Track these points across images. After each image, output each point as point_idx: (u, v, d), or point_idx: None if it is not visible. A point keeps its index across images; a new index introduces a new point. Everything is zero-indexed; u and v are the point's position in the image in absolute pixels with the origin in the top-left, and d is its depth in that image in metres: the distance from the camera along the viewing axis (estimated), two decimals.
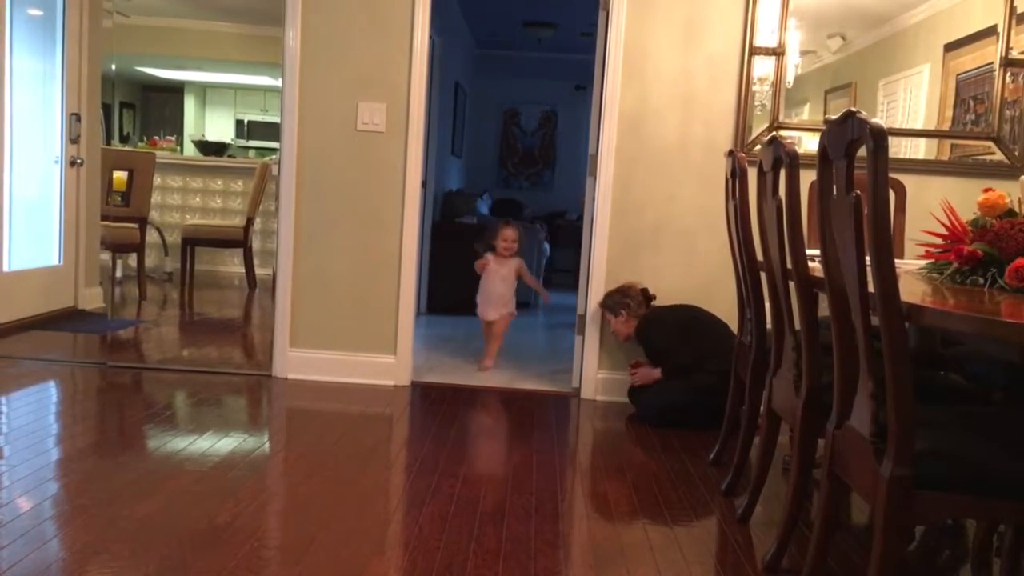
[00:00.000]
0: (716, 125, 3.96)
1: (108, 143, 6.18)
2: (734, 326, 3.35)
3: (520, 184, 10.04)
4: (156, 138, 7.70)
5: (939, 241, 2.25)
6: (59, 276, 5.26)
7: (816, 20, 3.97)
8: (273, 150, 6.69)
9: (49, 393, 3.70)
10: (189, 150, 7.92)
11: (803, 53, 3.98)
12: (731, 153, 2.96)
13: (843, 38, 4.06)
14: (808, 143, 3.92)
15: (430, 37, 4.08)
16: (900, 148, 4.01)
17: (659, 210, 4.00)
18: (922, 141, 4.04)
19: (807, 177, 2.27)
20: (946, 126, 4.00)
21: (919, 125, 4.03)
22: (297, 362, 4.08)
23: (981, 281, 2.02)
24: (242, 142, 8.38)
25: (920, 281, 2.15)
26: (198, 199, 6.95)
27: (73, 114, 5.22)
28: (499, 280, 4.59)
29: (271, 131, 7.22)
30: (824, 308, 1.98)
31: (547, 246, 7.80)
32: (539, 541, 2.32)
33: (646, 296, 3.89)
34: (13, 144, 4.79)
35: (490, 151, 9.99)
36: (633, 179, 3.99)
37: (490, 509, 2.57)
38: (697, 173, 3.98)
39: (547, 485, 2.79)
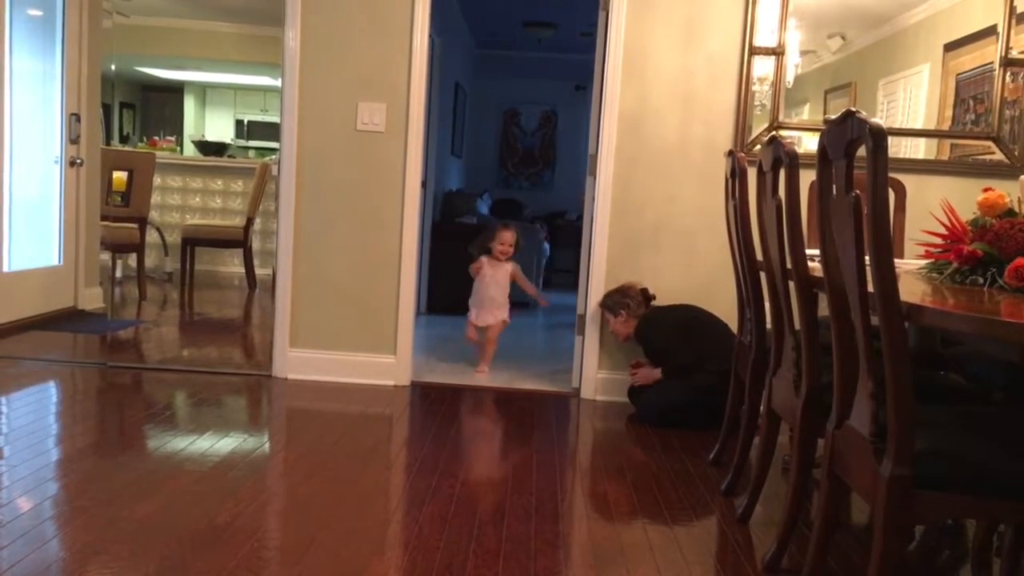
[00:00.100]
0: (716, 125, 3.96)
1: (108, 143, 6.18)
2: (734, 326, 3.35)
3: (520, 184, 10.04)
4: (156, 138, 7.70)
5: (939, 241, 2.25)
6: (59, 276, 5.26)
7: (816, 20, 3.97)
8: (273, 150, 6.70)
9: (49, 393, 3.70)
10: (189, 150, 7.92)
11: (803, 53, 3.98)
12: (731, 153, 2.96)
13: (843, 38, 4.06)
14: (808, 143, 3.92)
15: (430, 37, 4.08)
16: (900, 148, 4.01)
17: (659, 210, 4.00)
18: (922, 141, 4.04)
19: (807, 177, 2.27)
20: (946, 126, 4.00)
21: (919, 125, 4.03)
22: (297, 362, 4.08)
23: (981, 281, 2.02)
24: (242, 142, 8.38)
25: (920, 281, 2.15)
26: (198, 199, 6.95)
27: (73, 114, 5.22)
28: (494, 284, 4.48)
29: (271, 131, 7.22)
30: (824, 308, 1.98)
31: (547, 246, 7.80)
32: (539, 541, 2.32)
33: (645, 296, 3.89)
34: (13, 144, 4.79)
35: (490, 151, 9.99)
36: (633, 179, 3.99)
37: (490, 509, 2.57)
38: (697, 173, 3.98)
39: (547, 485, 2.79)
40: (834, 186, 1.77)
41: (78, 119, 5.25)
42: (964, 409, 2.02)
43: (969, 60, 3.94)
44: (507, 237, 4.46)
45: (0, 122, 4.67)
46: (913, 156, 4.01)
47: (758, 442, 2.62)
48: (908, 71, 4.11)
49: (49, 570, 1.99)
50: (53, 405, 3.58)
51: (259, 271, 6.30)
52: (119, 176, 5.76)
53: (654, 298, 3.91)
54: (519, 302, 4.79)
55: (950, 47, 3.98)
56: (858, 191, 1.63)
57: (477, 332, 4.53)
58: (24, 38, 4.88)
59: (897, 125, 4.03)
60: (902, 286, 1.73)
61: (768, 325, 2.58)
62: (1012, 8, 3.78)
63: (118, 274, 5.95)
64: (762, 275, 2.66)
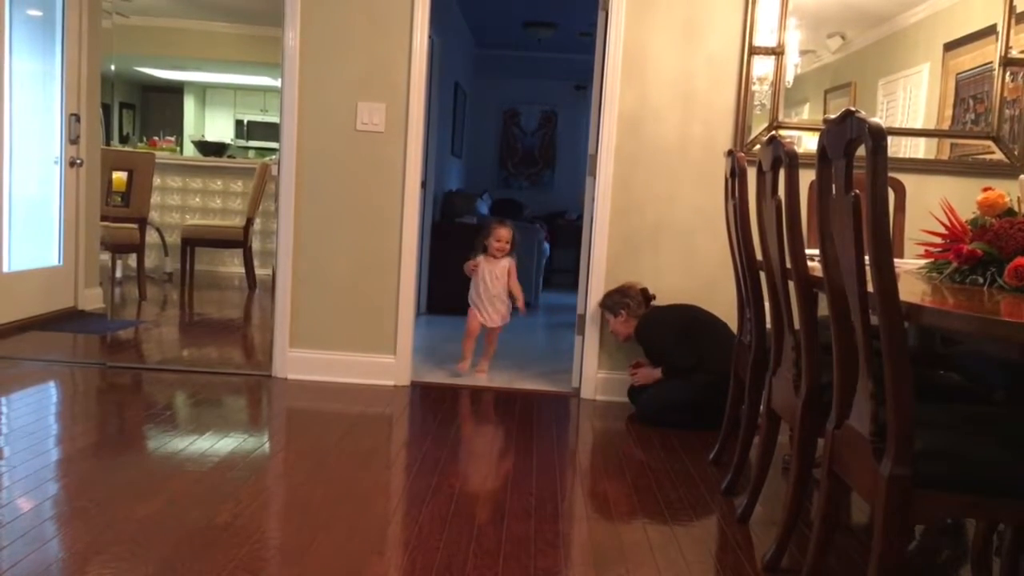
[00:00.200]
0: (716, 125, 3.96)
1: (108, 143, 6.19)
2: (734, 326, 3.35)
3: (520, 184, 10.04)
4: (156, 138, 7.71)
5: (938, 240, 2.25)
6: (59, 277, 5.26)
7: (815, 20, 3.97)
8: (273, 150, 6.70)
9: (49, 393, 3.70)
10: (189, 150, 7.92)
11: (802, 53, 3.98)
12: (730, 153, 2.96)
13: (843, 37, 4.06)
14: (808, 143, 3.92)
15: (429, 37, 4.08)
16: (900, 147, 4.01)
17: (659, 210, 4.00)
18: (921, 140, 4.04)
19: (806, 177, 2.27)
20: (946, 125, 4.00)
21: (919, 124, 4.03)
22: (297, 362, 4.08)
23: (980, 280, 2.02)
24: (242, 142, 8.38)
25: (919, 280, 2.15)
26: (198, 199, 6.96)
27: (72, 115, 5.22)
28: (493, 280, 4.38)
29: (271, 131, 7.22)
30: (824, 308, 1.98)
31: (547, 246, 7.81)
32: (539, 541, 2.32)
33: (645, 296, 3.89)
34: (13, 145, 4.79)
35: (490, 151, 9.99)
36: (633, 179, 3.99)
37: (490, 509, 2.57)
38: (697, 173, 3.98)
39: (547, 485, 2.79)
40: (834, 186, 1.77)
41: (78, 119, 5.25)
42: (964, 409, 2.02)
43: (969, 60, 3.94)
44: (503, 234, 4.39)
45: (0, 122, 4.67)
46: (913, 156, 4.01)
47: (758, 442, 2.62)
48: (908, 71, 4.11)
49: (49, 570, 1.99)
50: (53, 405, 3.58)
51: (259, 271, 6.30)
52: (119, 176, 5.76)
53: (654, 298, 3.91)
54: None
55: (950, 47, 3.98)
56: (858, 191, 1.63)
57: (479, 326, 4.44)
58: (24, 38, 4.88)
59: (897, 125, 4.03)
60: (902, 286, 1.72)
61: (768, 325, 2.58)
62: (1012, 7, 3.78)
63: (118, 274, 5.96)
64: (762, 275, 2.66)
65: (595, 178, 4.02)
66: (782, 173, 2.23)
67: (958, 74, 3.97)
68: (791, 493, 2.20)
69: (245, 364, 4.50)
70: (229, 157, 7.81)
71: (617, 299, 3.89)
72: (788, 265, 2.26)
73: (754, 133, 3.94)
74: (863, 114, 1.59)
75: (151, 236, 6.29)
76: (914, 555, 2.51)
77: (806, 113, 4.08)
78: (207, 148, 7.74)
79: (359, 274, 4.05)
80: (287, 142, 4.00)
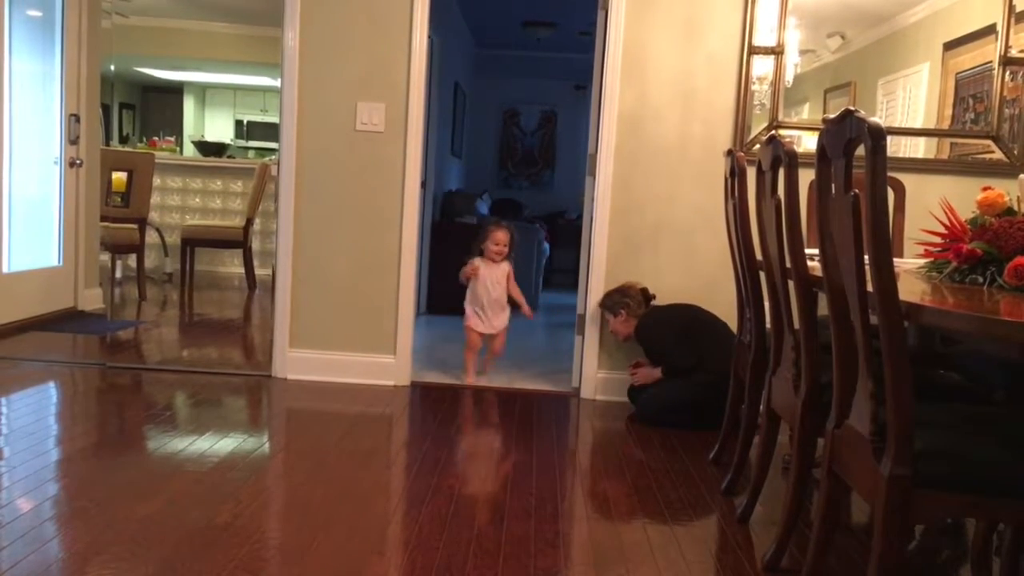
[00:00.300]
0: (715, 124, 3.96)
1: (107, 144, 6.19)
2: (734, 325, 3.35)
3: (520, 184, 10.04)
4: (155, 139, 7.71)
5: (938, 240, 2.25)
6: (59, 277, 5.26)
7: (815, 19, 3.97)
8: (272, 150, 6.71)
9: (49, 394, 3.70)
10: (189, 151, 7.93)
11: (802, 52, 3.98)
12: (730, 152, 2.96)
13: (842, 37, 4.06)
14: (808, 142, 3.92)
15: (429, 37, 4.08)
16: (899, 147, 4.01)
17: (658, 209, 4.00)
18: (921, 140, 4.04)
19: (806, 176, 2.27)
20: (945, 125, 4.00)
21: (918, 124, 4.03)
22: (297, 362, 4.08)
23: (980, 280, 2.02)
24: (241, 142, 8.39)
25: (919, 280, 2.15)
26: (198, 200, 6.96)
27: (72, 115, 5.22)
28: (493, 284, 4.22)
29: (270, 131, 7.23)
30: (823, 307, 1.98)
31: (547, 246, 7.80)
32: (539, 541, 2.32)
33: (645, 296, 3.89)
34: (12, 145, 4.79)
35: (490, 151, 9.99)
36: (633, 178, 3.99)
37: (490, 509, 2.57)
38: (696, 172, 3.98)
39: (547, 485, 2.79)
40: (833, 185, 1.77)
41: (77, 120, 5.25)
42: (964, 408, 2.01)
43: (968, 59, 3.94)
44: (500, 237, 4.24)
45: (0, 123, 4.67)
46: (912, 155, 4.01)
47: (758, 442, 2.62)
48: (907, 70, 4.11)
49: (49, 570, 1.99)
50: (53, 406, 3.58)
51: (259, 271, 6.31)
52: (119, 177, 5.76)
53: (654, 298, 3.91)
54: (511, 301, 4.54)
55: (949, 46, 3.98)
56: (857, 190, 1.63)
57: (482, 339, 4.28)
58: (24, 39, 4.88)
59: (896, 124, 4.02)
60: (901, 285, 1.72)
61: (768, 324, 2.58)
62: (1011, 7, 3.78)
63: (118, 275, 5.96)
64: (762, 274, 2.66)
65: (595, 178, 4.02)
66: (782, 173, 2.23)
67: (958, 73, 3.97)
68: (791, 493, 2.20)
69: (245, 364, 4.50)
70: (229, 157, 7.82)
71: (617, 299, 3.89)
72: (788, 265, 2.26)
73: (754, 132, 3.94)
74: (862, 114, 1.59)
75: (151, 236, 6.29)
76: (914, 555, 2.51)
77: (806, 113, 4.08)
78: (207, 148, 7.74)
79: (359, 274, 4.05)
80: (287, 142, 4.00)
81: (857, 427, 1.79)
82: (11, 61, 4.73)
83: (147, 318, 5.73)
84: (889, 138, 1.57)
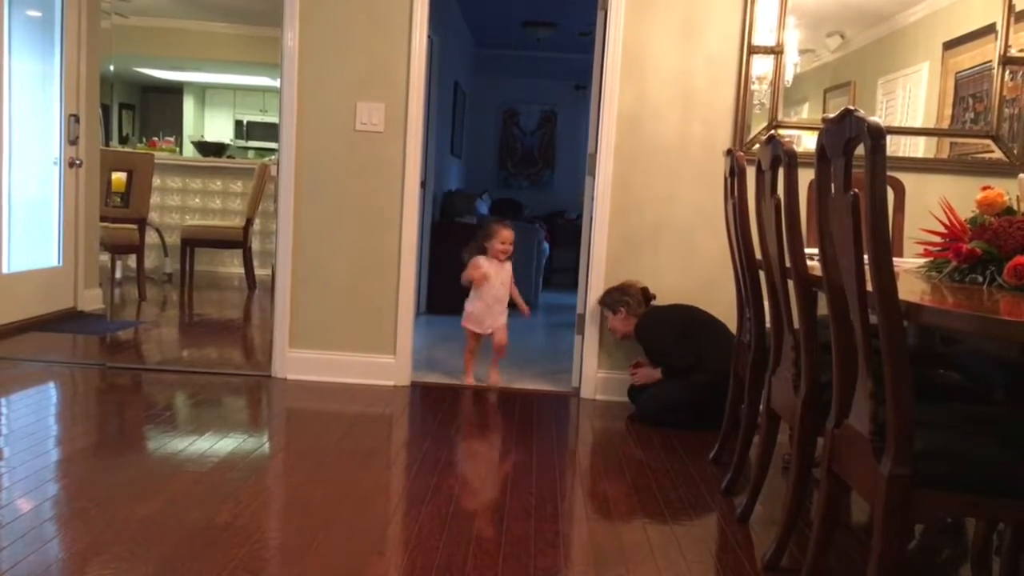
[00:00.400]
0: (715, 124, 3.96)
1: (107, 144, 6.19)
2: (733, 325, 3.35)
3: (520, 184, 10.04)
4: (155, 139, 7.71)
5: (938, 239, 2.25)
6: (58, 277, 5.26)
7: (815, 18, 3.97)
8: (272, 150, 6.71)
9: (49, 394, 3.70)
10: (188, 151, 7.93)
11: (802, 52, 3.98)
12: (730, 152, 2.96)
13: (842, 36, 4.06)
14: (807, 142, 3.92)
15: (429, 37, 4.08)
16: (899, 146, 4.01)
17: (658, 209, 4.00)
18: (921, 139, 4.04)
19: (806, 176, 2.27)
20: (945, 124, 4.00)
21: (918, 123, 4.03)
22: (296, 362, 4.08)
23: (980, 279, 2.02)
24: (241, 143, 8.39)
25: (919, 279, 2.15)
26: (197, 200, 6.96)
27: (72, 115, 5.22)
28: (499, 284, 4.14)
29: (270, 132, 7.23)
30: (823, 307, 1.98)
31: (547, 246, 7.80)
32: (539, 541, 2.32)
33: (645, 295, 3.89)
34: (12, 145, 4.79)
35: (489, 151, 9.99)
36: (632, 178, 3.99)
37: (490, 509, 2.57)
38: (696, 172, 3.98)
39: (547, 485, 2.79)
40: (833, 185, 1.77)
41: (77, 120, 5.25)
42: (964, 408, 2.01)
43: (968, 58, 3.94)
44: (507, 235, 4.15)
45: (0, 123, 4.67)
46: (912, 154, 4.01)
47: (758, 441, 2.62)
48: (907, 69, 4.11)
49: (49, 571, 1.99)
50: (53, 406, 3.58)
51: (259, 272, 6.30)
52: (118, 177, 5.76)
53: (654, 297, 3.91)
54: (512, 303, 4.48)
55: (949, 45, 3.98)
56: (857, 190, 1.63)
57: (479, 340, 4.22)
58: (23, 39, 4.88)
59: (896, 123, 4.02)
60: (901, 285, 1.73)
61: (767, 324, 2.58)
62: (1011, 6, 3.78)
63: (118, 275, 5.96)
64: (761, 274, 2.66)
65: (594, 178, 4.02)
66: (781, 172, 2.23)
67: (957, 73, 3.97)
68: (791, 492, 2.20)
69: (245, 364, 4.50)
70: (228, 157, 7.82)
71: (617, 297, 3.89)
72: (787, 264, 2.26)
73: (753, 132, 3.94)
74: (862, 113, 1.59)
75: (151, 237, 6.29)
76: (914, 554, 2.51)
77: (805, 112, 4.08)
78: (206, 148, 7.74)
79: (359, 274, 4.05)
80: (286, 142, 4.00)
81: (857, 427, 1.79)
82: (11, 61, 4.73)
83: (147, 318, 5.73)
84: (889, 137, 1.57)
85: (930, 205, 2.47)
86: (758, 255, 2.59)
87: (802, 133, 4.00)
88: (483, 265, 4.13)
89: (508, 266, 4.22)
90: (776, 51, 3.89)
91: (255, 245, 6.34)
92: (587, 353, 4.08)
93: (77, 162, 5.26)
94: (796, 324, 2.23)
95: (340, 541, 2.25)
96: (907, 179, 3.49)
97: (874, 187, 1.54)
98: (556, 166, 10.03)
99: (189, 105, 8.36)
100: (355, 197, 4.01)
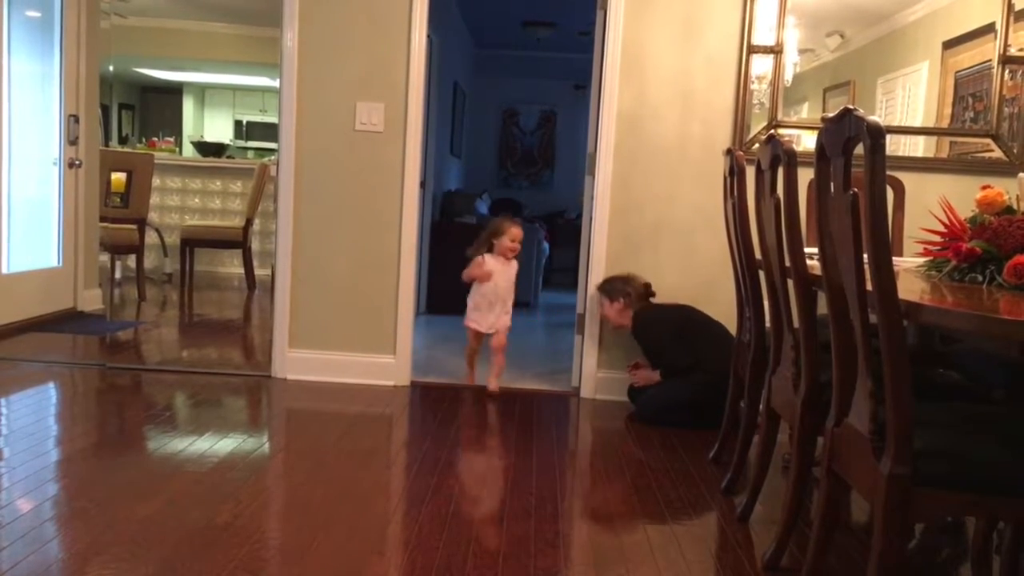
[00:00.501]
0: (715, 124, 3.96)
1: (107, 144, 6.19)
2: (733, 325, 3.34)
3: (519, 184, 10.04)
4: (155, 139, 7.71)
5: (937, 239, 2.25)
6: (58, 278, 5.26)
7: (814, 18, 3.97)
8: (272, 151, 6.69)
9: (49, 394, 3.70)
10: (188, 151, 7.92)
11: (801, 51, 3.98)
12: (729, 151, 2.96)
13: (841, 36, 4.06)
14: (807, 141, 3.92)
15: (428, 37, 4.08)
16: (899, 145, 4.01)
17: (658, 209, 4.00)
18: (921, 138, 4.04)
19: (805, 175, 2.27)
20: (945, 123, 4.00)
21: (918, 122, 4.03)
22: (296, 363, 4.08)
23: (979, 278, 2.02)
24: (241, 143, 8.39)
25: (918, 279, 2.15)
26: (197, 200, 6.95)
27: (71, 115, 5.22)
28: (504, 281, 4.04)
29: (270, 132, 7.22)
30: (823, 306, 1.98)
31: (546, 245, 7.81)
32: (539, 541, 2.32)
33: (647, 291, 3.88)
34: (11, 146, 4.79)
35: (489, 151, 9.99)
36: (632, 178, 3.99)
37: (490, 509, 2.57)
38: (696, 172, 3.98)
39: (547, 485, 2.79)
40: (832, 184, 1.76)
41: (77, 120, 5.24)
42: (963, 407, 2.02)
43: (968, 58, 3.94)
44: (518, 233, 4.04)
45: None
46: (912, 154, 4.01)
47: (758, 441, 2.62)
48: (907, 69, 4.11)
49: (49, 571, 1.99)
50: (53, 406, 3.58)
51: (258, 272, 6.30)
52: (118, 177, 5.76)
53: (654, 295, 3.90)
54: (519, 300, 4.46)
55: (949, 45, 3.98)
56: (856, 189, 1.63)
57: (480, 340, 4.11)
58: (22, 39, 4.88)
59: (896, 123, 4.02)
60: (901, 284, 1.73)
61: (767, 323, 2.58)
62: (1010, 6, 3.78)
63: (117, 275, 5.95)
64: (761, 273, 2.65)
65: (594, 177, 4.02)
66: (781, 172, 2.23)
67: (957, 72, 3.97)
68: (791, 492, 2.20)
69: (244, 364, 4.50)
70: (228, 158, 7.81)
71: (619, 286, 3.86)
72: (787, 264, 2.26)
73: (753, 132, 3.94)
74: (861, 112, 1.59)
75: (150, 237, 6.29)
76: (914, 553, 2.51)
77: (805, 112, 4.08)
78: (206, 149, 7.74)
79: (358, 274, 4.05)
80: (286, 142, 3.99)
81: (857, 426, 1.79)
82: (10, 62, 4.73)
83: (147, 319, 5.73)
84: (888, 137, 1.57)
85: (930, 204, 2.47)
86: (758, 255, 2.59)
87: (802, 132, 4.00)
88: (488, 263, 4.04)
89: (514, 265, 4.10)
90: (776, 51, 3.89)
91: (255, 245, 6.34)
92: (587, 353, 4.07)
93: (77, 162, 5.26)
94: (796, 323, 2.23)
95: (340, 541, 2.25)
96: (907, 178, 3.49)
97: (874, 186, 1.54)
98: (556, 166, 10.03)
99: (189, 105, 8.35)
100: (355, 197, 4.01)
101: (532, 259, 6.69)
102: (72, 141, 5.23)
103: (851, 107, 1.63)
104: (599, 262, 4.01)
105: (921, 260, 2.37)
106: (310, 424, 3.46)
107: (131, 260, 5.95)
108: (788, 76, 3.95)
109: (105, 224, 5.51)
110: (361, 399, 3.81)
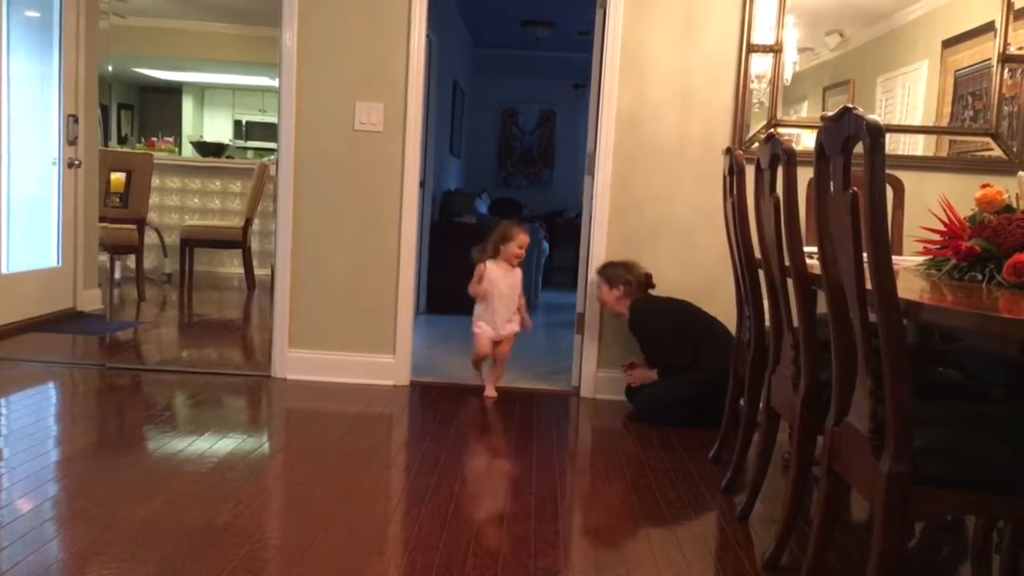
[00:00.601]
0: (714, 123, 3.96)
1: (106, 144, 6.18)
2: (733, 323, 3.35)
3: (519, 183, 10.04)
4: (154, 139, 7.70)
5: (937, 237, 2.25)
6: (58, 278, 5.26)
7: (814, 17, 3.96)
8: (271, 150, 6.69)
9: (48, 395, 3.70)
10: (187, 151, 7.92)
11: (801, 50, 3.98)
12: (729, 150, 2.96)
13: (841, 35, 4.06)
14: (807, 140, 3.92)
15: (427, 36, 4.08)
16: (898, 144, 4.01)
17: (658, 208, 4.00)
18: (920, 137, 4.04)
19: (805, 174, 2.27)
20: (944, 122, 4.00)
21: (917, 121, 4.03)
22: (296, 362, 4.08)
23: (979, 277, 2.02)
24: (240, 143, 8.38)
25: (918, 277, 2.15)
26: (196, 200, 6.95)
27: (71, 116, 5.22)
28: (507, 287, 3.95)
29: (269, 131, 7.21)
30: (823, 305, 1.98)
31: (546, 245, 7.80)
32: (539, 541, 2.32)
33: (648, 281, 3.87)
34: (11, 146, 4.79)
35: (489, 150, 9.99)
36: (631, 177, 3.99)
37: (490, 508, 2.57)
38: (695, 171, 3.98)
39: (547, 485, 2.79)
40: (832, 183, 1.76)
41: (76, 120, 5.24)
42: (963, 406, 2.01)
43: (967, 56, 3.93)
44: (525, 240, 3.95)
45: None
46: (911, 152, 4.01)
47: (757, 440, 2.62)
48: (906, 67, 4.10)
49: (49, 571, 1.99)
50: (52, 406, 3.58)
51: (258, 272, 6.29)
52: (117, 177, 5.76)
53: (654, 287, 3.89)
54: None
55: (948, 43, 3.98)
56: (856, 188, 1.63)
57: (490, 347, 4.01)
58: (22, 39, 4.88)
59: (895, 122, 4.02)
60: (900, 283, 1.73)
61: (767, 322, 2.58)
62: (1010, 4, 3.78)
63: (117, 275, 5.95)
64: (761, 272, 2.65)
65: (594, 177, 4.02)
66: (780, 171, 2.23)
67: (956, 71, 3.97)
68: (790, 491, 2.20)
69: (244, 364, 4.50)
70: (228, 158, 7.81)
71: (621, 273, 3.84)
72: (787, 263, 2.26)
73: (752, 131, 3.94)
74: (861, 111, 1.59)
75: (150, 237, 6.29)
76: (914, 552, 2.51)
77: (805, 111, 4.08)
78: (206, 149, 7.74)
79: (358, 274, 4.05)
80: (285, 142, 3.99)
81: (856, 425, 1.79)
82: (9, 62, 4.73)
83: (146, 319, 5.73)
84: (888, 135, 1.57)
85: (929, 203, 2.47)
86: (757, 254, 2.59)
87: (801, 131, 4.00)
88: (489, 271, 3.94)
89: (518, 272, 4.01)
90: (775, 50, 3.89)
91: (254, 245, 6.34)
92: (587, 352, 4.07)
93: (76, 162, 5.26)
94: (795, 322, 2.23)
95: (340, 541, 2.25)
96: (906, 177, 3.49)
97: (873, 185, 1.54)
98: (555, 165, 10.03)
99: (188, 105, 8.35)
100: (354, 197, 4.01)
101: (532, 258, 6.68)
102: (71, 141, 5.23)
103: (850, 106, 1.63)
104: (599, 261, 4.00)
105: (921, 259, 2.37)
106: (310, 424, 3.46)
107: (131, 260, 5.95)
108: (787, 75, 3.95)
109: (104, 224, 5.51)
110: (361, 399, 3.81)
